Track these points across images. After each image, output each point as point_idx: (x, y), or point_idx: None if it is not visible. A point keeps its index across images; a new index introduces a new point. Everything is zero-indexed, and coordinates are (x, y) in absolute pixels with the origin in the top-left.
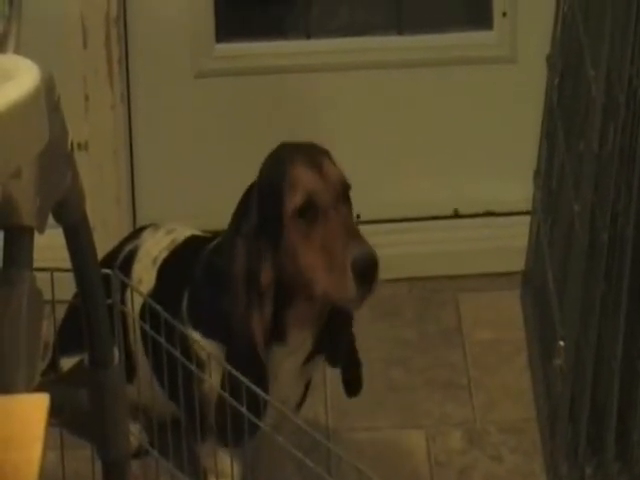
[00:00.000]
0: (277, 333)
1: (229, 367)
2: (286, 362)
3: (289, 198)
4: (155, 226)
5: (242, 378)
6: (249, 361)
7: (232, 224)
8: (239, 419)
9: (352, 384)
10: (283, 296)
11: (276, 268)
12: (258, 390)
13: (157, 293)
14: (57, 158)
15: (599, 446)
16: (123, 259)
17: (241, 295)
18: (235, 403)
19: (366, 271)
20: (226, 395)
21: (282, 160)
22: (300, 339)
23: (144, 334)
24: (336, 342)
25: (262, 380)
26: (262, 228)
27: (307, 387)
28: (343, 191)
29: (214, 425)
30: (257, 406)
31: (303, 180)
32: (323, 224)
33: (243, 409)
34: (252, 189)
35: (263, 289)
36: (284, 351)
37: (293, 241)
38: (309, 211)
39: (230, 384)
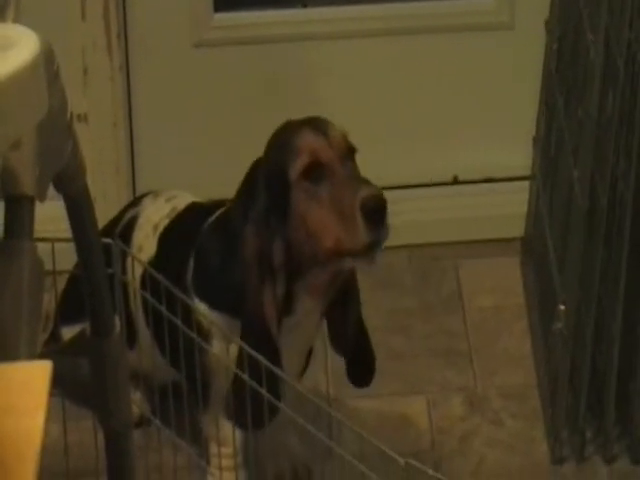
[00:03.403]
0: (286, 305)
1: (244, 346)
2: (292, 334)
3: (294, 163)
4: (155, 193)
5: (259, 356)
6: (263, 344)
7: (238, 205)
8: (258, 402)
9: (361, 375)
10: (294, 269)
11: (287, 242)
12: (275, 369)
13: (158, 261)
14: (57, 128)
15: (599, 411)
16: (123, 227)
17: (255, 278)
18: (255, 385)
19: (374, 211)
20: (247, 379)
21: (287, 133)
22: (308, 309)
23: (145, 303)
24: (343, 328)
25: (275, 362)
26: (270, 204)
27: (309, 355)
28: (348, 152)
29: (232, 409)
30: (275, 388)
31: (307, 143)
32: (330, 180)
33: (263, 392)
34: (256, 167)
35: (276, 269)
36: (291, 322)
37: (302, 204)
38: (315, 171)
39: (247, 367)
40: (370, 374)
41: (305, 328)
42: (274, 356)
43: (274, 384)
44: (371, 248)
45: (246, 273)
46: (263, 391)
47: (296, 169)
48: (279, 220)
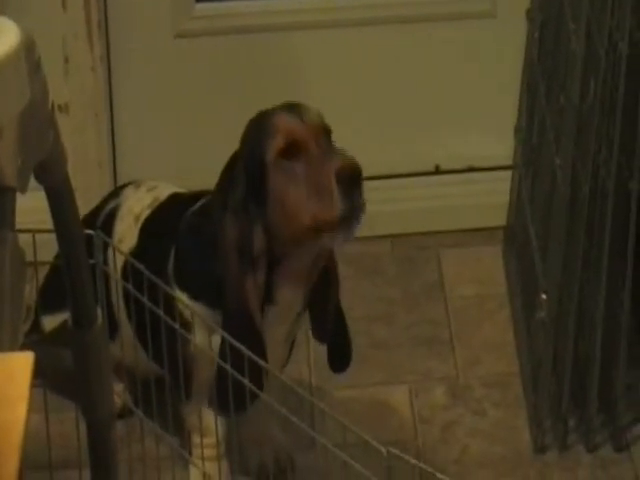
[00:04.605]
0: (267, 294)
1: (228, 337)
2: (275, 325)
3: (270, 143)
4: (136, 183)
5: (242, 347)
6: (247, 333)
7: (218, 195)
8: (240, 390)
9: (339, 360)
10: (274, 255)
11: (266, 227)
12: (259, 360)
13: (139, 252)
14: (38, 118)
15: (582, 399)
16: (105, 218)
17: (235, 268)
18: (237, 374)
19: (349, 178)
20: (229, 368)
21: (262, 119)
22: (290, 298)
23: (126, 294)
24: (324, 316)
25: (260, 350)
26: (249, 190)
27: (292, 346)
28: (324, 131)
29: (214, 396)
30: (258, 376)
31: (282, 124)
32: (306, 157)
33: (245, 381)
34: (235, 159)
35: (256, 256)
36: (274, 312)
37: (279, 183)
38: (291, 149)
39: (230, 355)
40: (347, 360)
41: (287, 318)
42: (258, 343)
43: (257, 372)
44: (347, 219)
45: (226, 262)
46: (246, 381)
47: (272, 149)
48: (258, 205)
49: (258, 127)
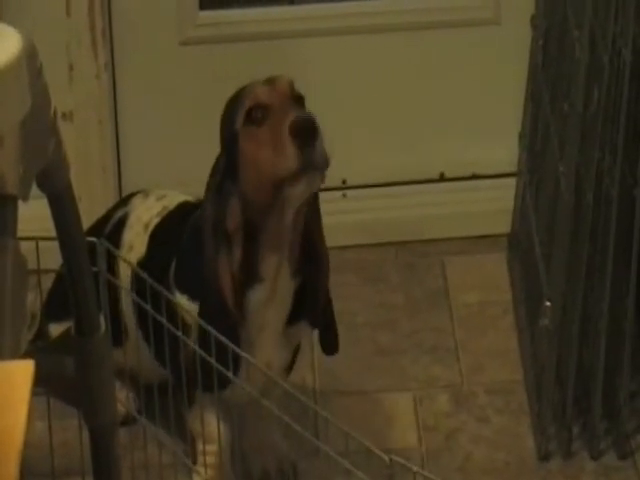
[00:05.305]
0: (252, 270)
1: (201, 321)
2: (266, 307)
3: (240, 111)
4: (145, 192)
5: (215, 332)
6: (219, 311)
7: (206, 192)
8: (212, 371)
9: (329, 343)
10: (252, 228)
11: (242, 199)
12: (232, 345)
13: (149, 259)
14: (40, 126)
15: (586, 406)
16: (113, 226)
17: (211, 248)
18: (208, 358)
19: (302, 131)
20: (198, 349)
21: (235, 94)
22: (275, 271)
23: (135, 301)
24: (314, 300)
25: (233, 329)
26: (226, 168)
27: (295, 353)
28: (294, 97)
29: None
30: (231, 358)
31: (251, 92)
32: (271, 119)
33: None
34: (219, 156)
35: (232, 232)
36: (263, 290)
37: (247, 147)
38: (257, 113)
39: (203, 337)
40: (337, 340)
41: (278, 298)
42: (231, 326)
43: (232, 358)
44: (307, 169)
45: (204, 243)
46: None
47: (240, 116)
48: (233, 179)
49: (231, 100)
